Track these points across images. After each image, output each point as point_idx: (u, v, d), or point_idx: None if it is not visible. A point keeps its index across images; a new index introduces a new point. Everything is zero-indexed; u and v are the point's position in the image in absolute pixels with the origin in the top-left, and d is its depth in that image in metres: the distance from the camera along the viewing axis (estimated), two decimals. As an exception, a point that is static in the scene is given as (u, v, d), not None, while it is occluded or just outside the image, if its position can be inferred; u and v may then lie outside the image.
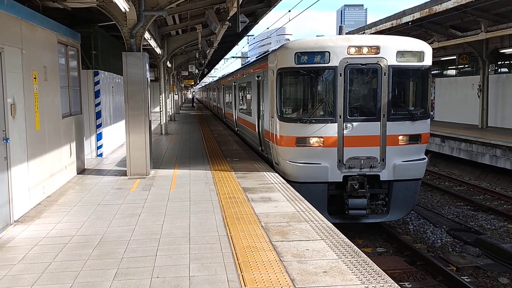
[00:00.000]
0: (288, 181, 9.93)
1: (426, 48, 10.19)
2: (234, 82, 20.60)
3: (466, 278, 8.40)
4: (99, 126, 13.95)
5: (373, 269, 5.08)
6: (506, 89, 21.67)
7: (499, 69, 23.26)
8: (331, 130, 9.84)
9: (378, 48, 9.81)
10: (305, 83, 10.44)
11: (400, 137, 10.02)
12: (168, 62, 23.46)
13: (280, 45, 10.96)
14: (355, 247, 5.78)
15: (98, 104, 13.83)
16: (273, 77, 10.53)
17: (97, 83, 13.69)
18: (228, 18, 15.08)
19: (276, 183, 9.67)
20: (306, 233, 6.35)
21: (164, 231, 6.63)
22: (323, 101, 10.12)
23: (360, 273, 4.96)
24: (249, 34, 27.75)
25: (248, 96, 16.04)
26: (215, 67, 64.67)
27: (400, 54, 9.92)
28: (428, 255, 9.40)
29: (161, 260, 5.48)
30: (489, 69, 21.90)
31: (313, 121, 9.88)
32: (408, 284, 8.20)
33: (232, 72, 23.23)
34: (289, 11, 22.16)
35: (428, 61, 10.19)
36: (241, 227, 6.68)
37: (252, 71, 14.84)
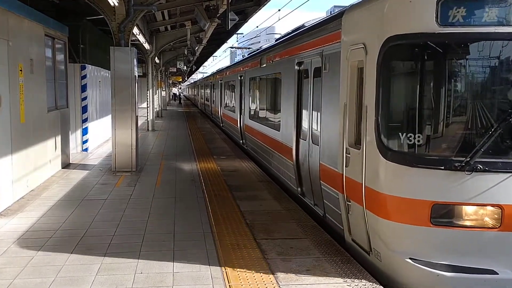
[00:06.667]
0: None
1: None
2: (240, 77, 15.36)
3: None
4: (85, 120, 13.85)
5: (356, 268, 5.13)
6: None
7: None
8: None
9: None
10: (454, 74, 4.82)
11: None
12: (156, 58, 23.35)
13: None
14: (339, 246, 5.83)
15: (85, 98, 13.73)
16: (367, 60, 5.14)
17: (84, 77, 13.58)
18: (217, 15, 15.07)
19: (262, 182, 9.69)
20: (291, 232, 6.37)
21: (148, 227, 6.61)
22: (507, 120, 4.50)
23: (343, 272, 5.00)
24: (238, 32, 27.75)
25: (271, 100, 10.94)
26: (203, 64, 64.57)
27: None
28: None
29: (145, 256, 5.46)
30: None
31: (478, 166, 4.48)
32: (390, 284, 8.28)
33: (237, 63, 17.92)
34: (279, 10, 22.24)
35: None
36: (226, 225, 6.69)
37: (279, 58, 9.82)
